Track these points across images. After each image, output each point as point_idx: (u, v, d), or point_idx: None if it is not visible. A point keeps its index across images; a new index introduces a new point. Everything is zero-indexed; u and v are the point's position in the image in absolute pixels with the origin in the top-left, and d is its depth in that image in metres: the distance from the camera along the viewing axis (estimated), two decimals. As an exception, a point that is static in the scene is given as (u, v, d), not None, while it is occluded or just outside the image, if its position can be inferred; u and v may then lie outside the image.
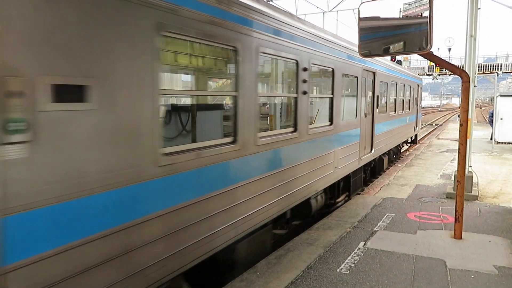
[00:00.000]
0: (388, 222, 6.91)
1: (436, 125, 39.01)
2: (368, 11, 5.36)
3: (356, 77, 8.65)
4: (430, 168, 12.84)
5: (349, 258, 5.29)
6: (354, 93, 8.79)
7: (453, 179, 9.44)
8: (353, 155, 8.56)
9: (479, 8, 8.43)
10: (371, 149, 10.18)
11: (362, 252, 5.51)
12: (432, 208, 7.88)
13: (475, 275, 4.78)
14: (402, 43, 5.25)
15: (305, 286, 4.46)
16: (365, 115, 9.49)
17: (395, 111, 12.93)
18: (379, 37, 5.47)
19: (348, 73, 8.06)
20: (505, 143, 19.53)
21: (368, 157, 9.93)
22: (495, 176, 11.54)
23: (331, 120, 7.27)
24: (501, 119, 19.42)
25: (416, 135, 19.21)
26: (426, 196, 8.93)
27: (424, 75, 51.43)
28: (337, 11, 33.47)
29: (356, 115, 8.80)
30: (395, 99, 12.97)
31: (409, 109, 15.73)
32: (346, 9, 35.32)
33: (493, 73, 47.38)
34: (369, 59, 9.12)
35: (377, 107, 10.33)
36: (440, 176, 11.52)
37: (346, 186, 8.92)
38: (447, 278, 4.71)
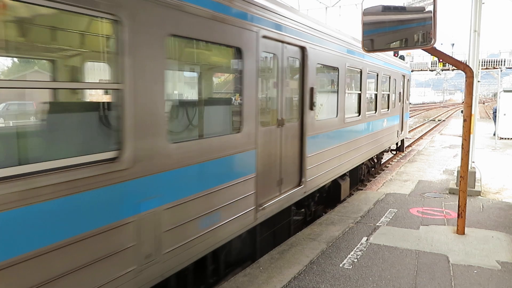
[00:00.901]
0: (390, 217, 6.92)
1: (439, 120, 38.94)
2: (371, 6, 5.34)
3: (238, 49, 4.33)
4: (433, 164, 12.82)
5: (352, 253, 5.30)
6: (228, 83, 4.94)
7: (456, 174, 9.42)
8: (228, 210, 4.24)
9: (483, 3, 8.39)
10: (300, 181, 6.03)
11: (364, 247, 5.52)
12: (435, 204, 7.87)
13: (478, 271, 4.78)
14: (406, 38, 5.23)
15: (308, 281, 4.48)
16: (278, 124, 5.31)
17: (359, 112, 8.81)
18: (382, 32, 5.45)
19: (199, 37, 3.77)
20: (508, 138, 19.46)
21: (286, 199, 5.57)
22: (498, 172, 11.51)
23: (119, 143, 3.00)
24: (504, 114, 19.35)
25: (402, 141, 15.15)
26: (428, 192, 8.92)
27: (427, 70, 51.30)
28: (339, 6, 33.31)
29: (242, 127, 4.43)
30: (360, 95, 8.82)
31: (388, 108, 11.49)
32: (349, 4, 35.19)
33: (497, 68, 47.15)
34: (289, 22, 5.35)
35: (312, 109, 6.12)
36: (443, 171, 11.50)
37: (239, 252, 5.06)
38: (450, 273, 4.71)
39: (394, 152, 15.45)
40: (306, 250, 5.39)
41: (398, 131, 13.37)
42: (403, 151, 15.86)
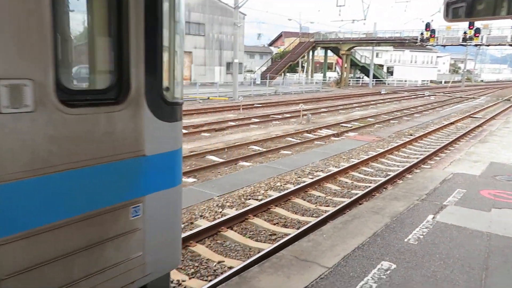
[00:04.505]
0: (459, 197, 6.62)
1: (514, 100, 35.86)
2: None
3: None
4: (507, 146, 11.95)
5: (417, 229, 5.19)
6: None
7: (534, 158, 8.74)
8: None
9: None
10: None
11: (431, 225, 5.37)
12: (509, 187, 7.39)
13: (558, 259, 4.49)
14: (495, 4, 4.79)
15: (372, 252, 4.48)
16: None
17: None
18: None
19: None
20: None
21: None
22: None
23: None
24: None
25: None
26: (501, 175, 8.38)
27: (505, 45, 46.73)
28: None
29: None
30: None
31: None
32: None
33: None
34: None
35: None
36: (519, 154, 10.70)
37: None
38: (526, 258, 4.48)
39: None
40: (369, 223, 5.36)
41: None
42: None
